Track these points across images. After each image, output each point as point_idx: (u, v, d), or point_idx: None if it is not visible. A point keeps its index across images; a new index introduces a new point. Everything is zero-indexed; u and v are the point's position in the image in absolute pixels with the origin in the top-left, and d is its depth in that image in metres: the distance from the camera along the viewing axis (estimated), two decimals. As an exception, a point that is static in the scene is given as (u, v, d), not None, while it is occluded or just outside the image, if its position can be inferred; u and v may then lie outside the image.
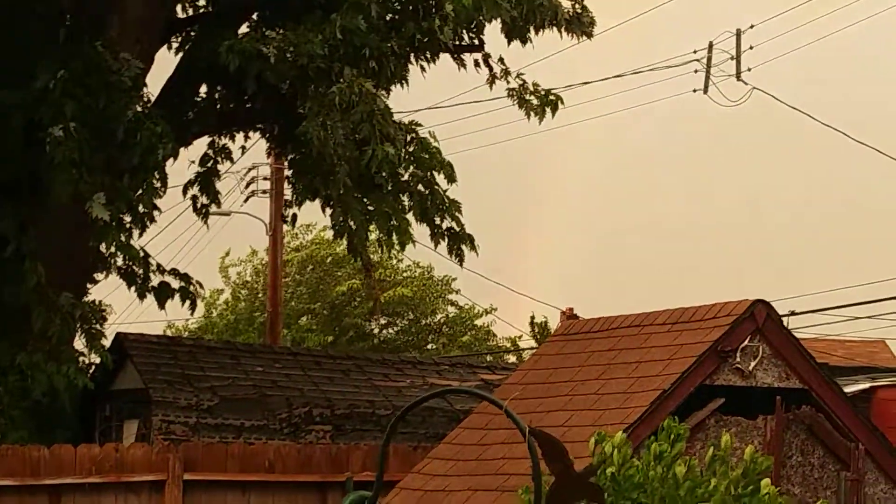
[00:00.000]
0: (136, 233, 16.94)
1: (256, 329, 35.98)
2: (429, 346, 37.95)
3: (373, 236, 18.67)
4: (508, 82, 17.28)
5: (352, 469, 14.63)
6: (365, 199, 16.97)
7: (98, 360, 17.39)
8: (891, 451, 13.28)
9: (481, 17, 16.68)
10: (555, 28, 17.18)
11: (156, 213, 17.11)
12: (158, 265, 17.54)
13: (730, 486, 9.41)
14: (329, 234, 25.70)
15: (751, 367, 12.66)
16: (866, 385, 31.31)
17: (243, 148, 19.18)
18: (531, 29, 17.03)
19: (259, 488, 14.80)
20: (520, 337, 37.69)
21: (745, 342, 12.67)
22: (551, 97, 17.16)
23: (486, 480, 12.90)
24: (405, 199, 17.07)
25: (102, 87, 15.24)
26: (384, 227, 16.90)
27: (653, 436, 9.87)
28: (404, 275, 37.76)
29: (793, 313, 27.25)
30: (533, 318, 36.08)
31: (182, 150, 17.52)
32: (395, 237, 17.15)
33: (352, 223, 17.14)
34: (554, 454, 5.13)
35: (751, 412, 12.71)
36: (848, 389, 28.78)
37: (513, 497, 11.01)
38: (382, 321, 37.65)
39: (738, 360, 12.62)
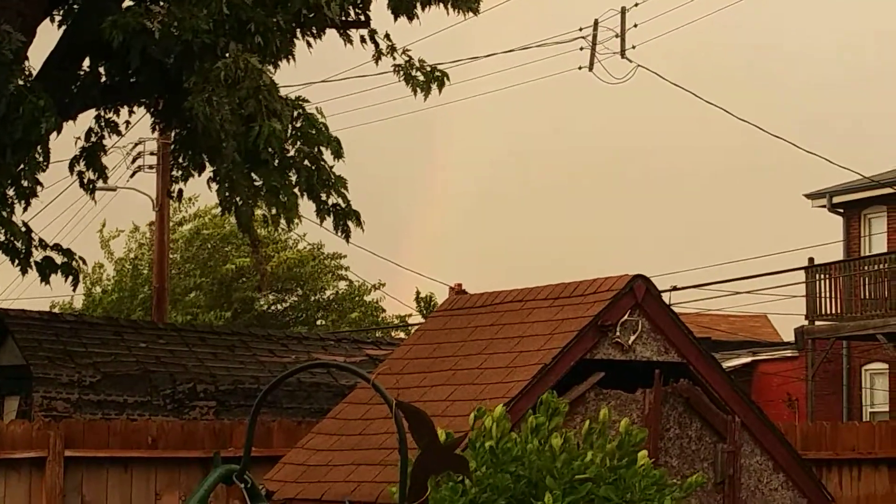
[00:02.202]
0: (19, 208, 16.77)
1: (142, 305, 35.72)
2: (318, 323, 37.94)
3: (260, 212, 18.62)
4: (395, 58, 17.31)
5: (235, 445, 14.61)
6: (252, 175, 16.93)
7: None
8: (766, 423, 13.54)
9: (367, -8, 16.69)
10: (441, 4, 17.23)
11: (39, 188, 16.94)
12: (41, 240, 17.37)
13: (605, 459, 9.56)
14: (217, 210, 25.57)
15: (630, 342, 12.83)
16: (748, 359, 31.92)
17: (128, 123, 19.02)
18: (417, 4, 17.06)
19: (141, 464, 14.72)
20: (409, 315, 37.84)
21: (625, 317, 12.83)
22: (437, 73, 17.20)
23: (370, 455, 12.97)
24: (292, 175, 17.04)
25: (-18, 60, 15.04)
26: (271, 203, 16.86)
27: (532, 409, 9.99)
28: (291, 252, 37.67)
29: (675, 288, 27.66)
30: (418, 292, 36.20)
31: (68, 124, 17.34)
32: (281, 213, 17.13)
33: (238, 199, 17.10)
34: (420, 427, 5.20)
35: (630, 386, 12.89)
36: (730, 363, 29.37)
37: (395, 471, 11.10)
38: (271, 297, 37.56)
39: (617, 334, 12.78)
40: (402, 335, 33.68)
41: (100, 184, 18.76)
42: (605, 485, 9.40)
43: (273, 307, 37.96)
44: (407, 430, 5.28)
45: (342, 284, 38.48)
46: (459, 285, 15.96)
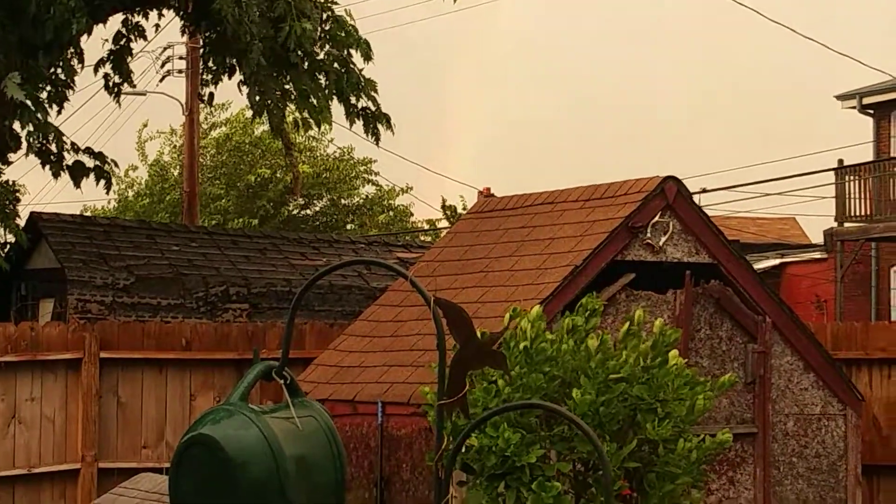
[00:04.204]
0: (52, 111, 16.79)
1: (171, 211, 35.79)
2: (347, 227, 38.00)
3: (290, 117, 18.58)
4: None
5: (268, 347, 14.72)
6: (283, 77, 16.90)
7: (12, 240, 17.31)
8: (797, 323, 13.55)
9: None
10: None
11: (70, 91, 16.94)
12: (73, 144, 17.40)
13: (639, 359, 9.60)
14: (247, 114, 25.56)
15: (661, 243, 12.83)
16: (777, 261, 31.92)
17: (157, 26, 18.95)
18: None
19: (176, 366, 14.86)
20: (438, 220, 37.83)
21: (656, 218, 12.81)
22: (466, -26, 17.10)
23: (401, 356, 13.05)
24: (321, 78, 17.00)
25: (12, -39, 15.00)
26: (302, 106, 16.85)
27: (567, 310, 10.01)
28: (318, 154, 37.58)
29: (704, 190, 27.62)
30: (445, 201, 36.08)
31: (98, 27, 17.29)
32: (311, 116, 17.13)
33: (269, 102, 17.07)
34: (458, 323, 5.24)
35: (661, 287, 12.91)
36: (759, 265, 29.36)
37: (426, 372, 11.17)
38: (300, 201, 37.58)
39: (648, 235, 12.78)
40: (429, 239, 33.72)
41: (128, 88, 18.73)
42: (638, 384, 9.45)
43: (302, 212, 37.98)
44: (445, 327, 5.32)
45: (371, 189, 38.46)
46: (488, 189, 15.98)
